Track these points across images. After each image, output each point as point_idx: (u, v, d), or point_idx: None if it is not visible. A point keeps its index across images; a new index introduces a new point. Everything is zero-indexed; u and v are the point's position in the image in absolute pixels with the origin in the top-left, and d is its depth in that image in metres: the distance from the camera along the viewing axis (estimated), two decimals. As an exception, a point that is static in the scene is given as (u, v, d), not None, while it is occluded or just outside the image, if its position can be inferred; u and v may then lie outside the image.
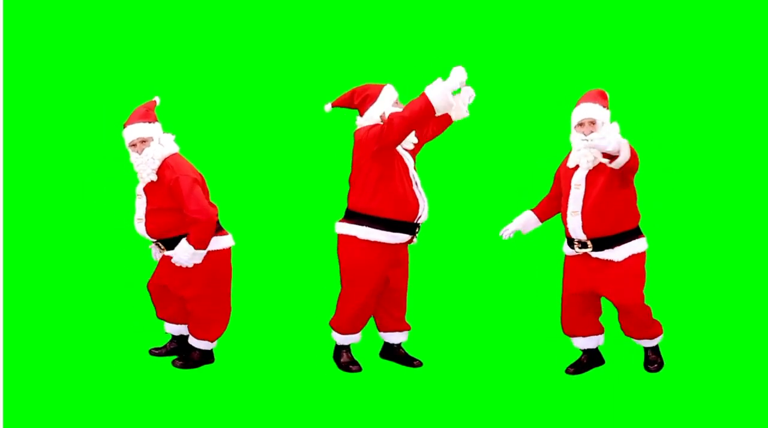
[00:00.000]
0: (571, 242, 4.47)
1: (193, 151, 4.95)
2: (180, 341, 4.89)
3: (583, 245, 4.41)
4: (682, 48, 6.13)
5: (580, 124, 4.37)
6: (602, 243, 4.37)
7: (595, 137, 4.10)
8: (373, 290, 4.54)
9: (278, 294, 5.92)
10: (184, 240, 4.39)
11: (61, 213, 6.02)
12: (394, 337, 4.75)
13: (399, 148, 4.46)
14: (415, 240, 4.57)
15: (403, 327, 4.75)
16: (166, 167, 4.46)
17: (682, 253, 6.05)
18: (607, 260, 4.40)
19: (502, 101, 6.13)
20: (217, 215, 4.47)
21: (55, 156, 6.03)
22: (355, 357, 4.73)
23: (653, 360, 4.63)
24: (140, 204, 4.56)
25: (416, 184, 4.50)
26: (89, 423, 3.98)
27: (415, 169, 4.54)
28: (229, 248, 4.64)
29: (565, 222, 4.45)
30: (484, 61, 6.10)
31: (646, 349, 4.67)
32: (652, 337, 4.58)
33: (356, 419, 4.01)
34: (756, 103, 6.11)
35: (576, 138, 4.38)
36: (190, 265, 4.44)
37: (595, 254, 4.40)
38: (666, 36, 6.12)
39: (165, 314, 4.85)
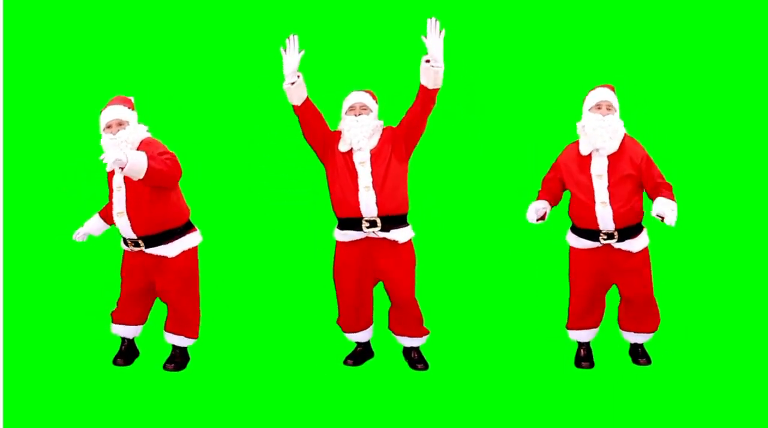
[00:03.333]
0: (589, 234, 4.41)
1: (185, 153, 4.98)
2: (131, 344, 4.81)
3: (610, 236, 4.37)
4: (678, 47, 6.15)
5: (598, 106, 4.37)
6: (627, 233, 4.38)
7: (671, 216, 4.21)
8: (345, 288, 4.60)
9: (271, 295, 5.96)
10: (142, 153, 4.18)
11: (61, 213, 6.03)
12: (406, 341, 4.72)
13: (348, 148, 4.45)
14: (380, 234, 4.44)
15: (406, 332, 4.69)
16: (145, 145, 4.38)
17: (679, 251, 6.05)
18: (626, 251, 4.41)
19: (495, 98, 6.18)
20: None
21: (55, 155, 6.04)
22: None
23: (643, 354, 4.65)
24: (119, 197, 4.42)
25: (366, 185, 4.41)
26: (88, 423, 4.01)
27: (377, 168, 4.43)
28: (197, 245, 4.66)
29: (585, 214, 4.38)
30: (476, 59, 6.15)
31: (636, 345, 4.69)
32: (650, 331, 4.62)
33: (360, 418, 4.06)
34: (754, 101, 6.11)
35: (592, 119, 4.34)
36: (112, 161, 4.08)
37: (618, 245, 4.39)
38: (663, 34, 6.14)
39: (129, 316, 4.72)
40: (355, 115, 4.47)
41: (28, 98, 6.07)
